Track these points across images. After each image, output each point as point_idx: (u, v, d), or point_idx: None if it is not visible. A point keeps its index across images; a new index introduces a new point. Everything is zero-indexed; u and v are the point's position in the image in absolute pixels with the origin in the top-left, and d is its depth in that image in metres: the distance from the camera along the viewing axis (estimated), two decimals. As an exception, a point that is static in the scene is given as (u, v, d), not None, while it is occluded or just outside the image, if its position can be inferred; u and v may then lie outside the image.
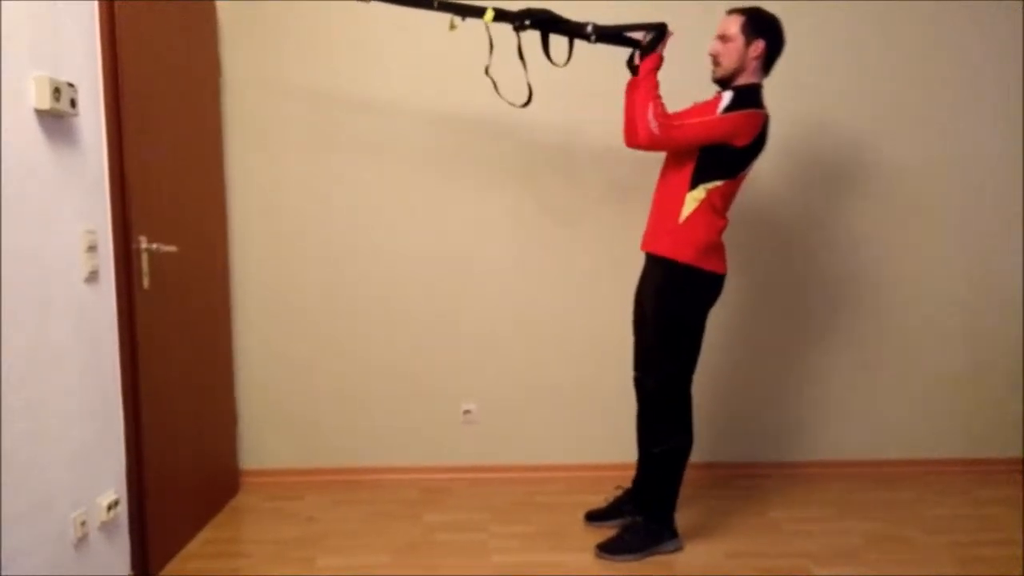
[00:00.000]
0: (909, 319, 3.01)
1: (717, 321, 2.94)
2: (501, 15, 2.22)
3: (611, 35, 2.23)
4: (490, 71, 2.30)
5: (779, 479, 2.95)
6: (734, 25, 2.14)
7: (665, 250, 2.22)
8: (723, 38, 2.16)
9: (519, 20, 2.23)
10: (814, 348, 3.01)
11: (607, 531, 2.40)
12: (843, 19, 2.87)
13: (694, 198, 2.16)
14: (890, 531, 2.50)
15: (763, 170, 2.90)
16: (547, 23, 2.25)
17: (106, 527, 1.94)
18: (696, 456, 2.85)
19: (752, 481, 2.94)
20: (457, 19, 2.22)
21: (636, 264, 2.87)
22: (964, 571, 2.22)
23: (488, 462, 2.94)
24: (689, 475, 2.67)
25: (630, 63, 2.26)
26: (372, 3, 2.23)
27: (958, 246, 2.99)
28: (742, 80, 2.15)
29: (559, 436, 2.97)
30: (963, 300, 3.01)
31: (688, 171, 2.16)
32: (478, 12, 2.21)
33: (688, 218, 2.17)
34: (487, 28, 2.24)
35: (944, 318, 3.02)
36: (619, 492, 2.54)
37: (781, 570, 2.22)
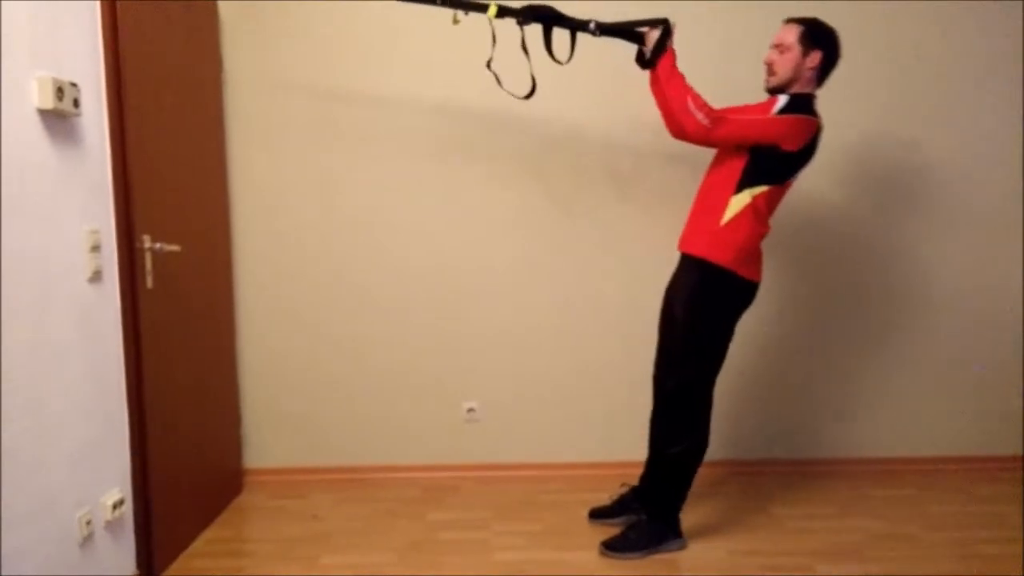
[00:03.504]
0: (910, 318, 3.02)
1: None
2: (504, 11, 2.21)
3: (614, 30, 2.23)
4: (492, 65, 2.29)
5: (782, 477, 2.96)
6: (792, 35, 2.14)
7: (703, 251, 2.20)
8: (780, 47, 2.15)
9: (522, 17, 2.23)
10: (816, 348, 3.01)
11: (611, 529, 2.40)
12: (842, 18, 2.86)
13: (739, 201, 2.14)
14: (892, 529, 2.50)
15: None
16: (550, 20, 2.24)
17: (111, 526, 1.94)
18: (698, 454, 2.88)
19: (755, 479, 2.94)
20: (460, 13, 2.22)
21: (640, 262, 2.89)
22: (966, 568, 2.23)
23: (491, 460, 2.95)
24: (692, 473, 2.66)
25: (639, 59, 2.26)
26: None
27: (958, 245, 2.99)
28: (796, 89, 2.15)
29: (562, 434, 2.97)
30: (964, 299, 3.01)
31: (736, 174, 2.15)
32: (481, 8, 2.20)
33: (730, 221, 2.15)
34: (490, 23, 2.23)
35: (945, 317, 3.02)
36: (624, 490, 2.54)
37: (785, 568, 2.23)
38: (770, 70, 2.17)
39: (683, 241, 2.30)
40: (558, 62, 2.26)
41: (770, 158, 2.11)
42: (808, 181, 2.92)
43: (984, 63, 2.91)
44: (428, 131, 2.82)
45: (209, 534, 2.44)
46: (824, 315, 3.00)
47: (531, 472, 2.94)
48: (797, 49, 2.13)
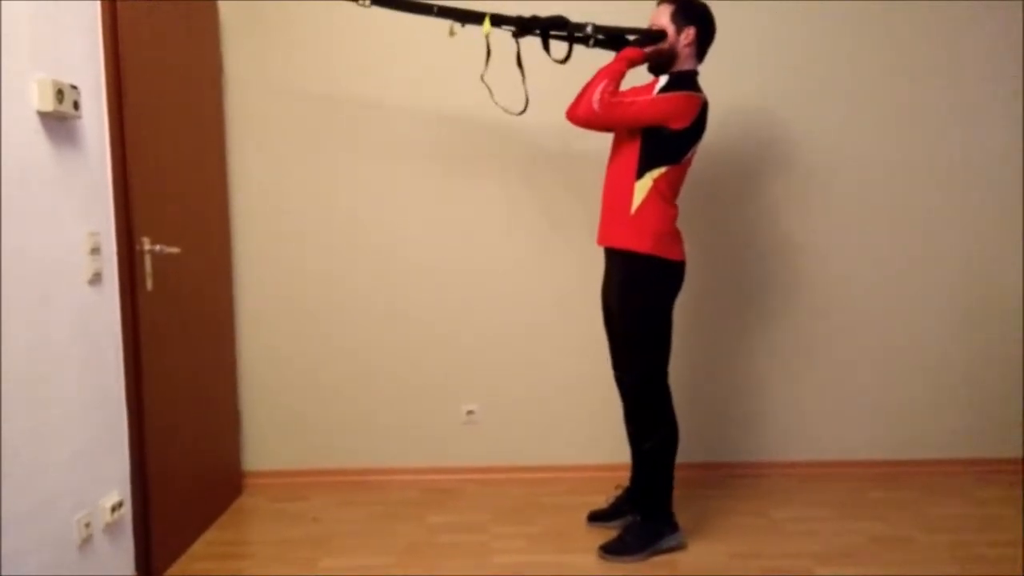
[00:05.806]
0: (910, 319, 3.01)
1: (719, 321, 2.96)
2: (498, 20, 2.22)
3: (610, 37, 2.24)
4: (486, 78, 2.30)
5: (781, 479, 2.95)
6: (664, 16, 2.18)
7: (623, 242, 2.22)
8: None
9: (517, 27, 2.23)
10: (816, 348, 3.01)
11: (610, 532, 2.40)
12: (841, 17, 2.87)
13: (642, 187, 2.17)
14: (891, 531, 2.50)
15: (762, 169, 2.91)
16: (545, 28, 2.24)
17: (110, 528, 1.94)
18: (697, 455, 2.89)
19: (754, 481, 2.94)
20: (457, 26, 2.23)
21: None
22: (965, 571, 2.23)
23: (491, 463, 2.94)
24: (690, 475, 2.68)
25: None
26: (373, 7, 2.22)
27: (958, 246, 2.99)
28: (676, 68, 2.18)
29: (562, 437, 2.97)
30: (964, 300, 3.01)
31: (633, 161, 2.18)
32: (477, 18, 2.21)
33: (639, 208, 2.17)
34: (486, 37, 2.24)
35: (945, 318, 3.02)
36: (619, 492, 2.54)
37: (783, 570, 2.23)
38: None
39: (601, 236, 2.32)
40: (556, 61, 2.25)
41: (661, 138, 2.14)
42: (805, 185, 2.94)
43: (983, 62, 2.91)
44: (427, 133, 2.82)
45: (208, 536, 2.44)
46: (823, 317, 3.00)
47: (531, 475, 2.94)
48: (671, 29, 2.16)
